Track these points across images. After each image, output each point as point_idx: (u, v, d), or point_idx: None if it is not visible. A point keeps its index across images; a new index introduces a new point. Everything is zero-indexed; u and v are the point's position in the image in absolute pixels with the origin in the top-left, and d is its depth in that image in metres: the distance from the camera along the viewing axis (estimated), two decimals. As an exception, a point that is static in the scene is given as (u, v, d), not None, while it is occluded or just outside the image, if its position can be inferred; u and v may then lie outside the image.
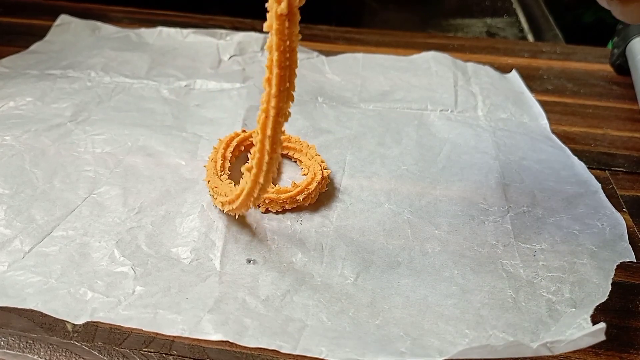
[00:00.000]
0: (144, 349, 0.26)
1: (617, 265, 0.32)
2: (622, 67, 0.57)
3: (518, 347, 0.24)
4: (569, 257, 0.32)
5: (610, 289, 0.30)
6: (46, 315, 0.26)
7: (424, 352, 0.26)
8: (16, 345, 0.27)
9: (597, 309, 0.29)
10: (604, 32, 0.76)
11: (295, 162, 0.40)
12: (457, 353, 0.24)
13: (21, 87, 0.47)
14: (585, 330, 0.24)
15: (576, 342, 0.24)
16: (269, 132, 0.26)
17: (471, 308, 0.29)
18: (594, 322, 0.25)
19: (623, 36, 0.56)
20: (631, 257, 0.32)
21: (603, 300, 0.29)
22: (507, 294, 0.30)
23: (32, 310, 0.27)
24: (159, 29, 0.59)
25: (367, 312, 0.28)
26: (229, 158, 0.38)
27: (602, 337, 0.23)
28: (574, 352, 0.27)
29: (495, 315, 0.28)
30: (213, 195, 0.34)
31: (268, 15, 0.24)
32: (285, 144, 0.40)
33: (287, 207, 0.34)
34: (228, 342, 0.26)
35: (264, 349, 0.25)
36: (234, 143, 0.39)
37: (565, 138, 0.44)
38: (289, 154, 0.40)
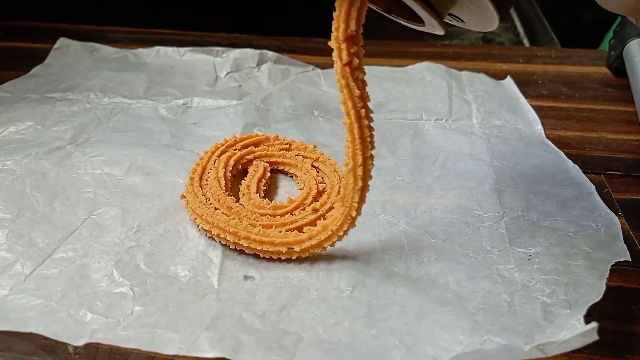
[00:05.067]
0: (144, 368, 0.27)
1: (613, 270, 0.32)
2: (619, 69, 0.57)
3: (511, 351, 0.24)
4: (563, 259, 0.33)
5: (604, 289, 0.30)
6: (48, 338, 0.27)
7: (419, 359, 0.26)
8: (19, 368, 0.28)
9: (593, 314, 0.29)
10: (604, 33, 0.76)
11: (291, 177, 0.40)
12: (450, 359, 0.25)
13: (22, 111, 0.47)
14: (577, 331, 0.24)
15: (569, 343, 0.24)
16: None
17: (466, 314, 0.29)
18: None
19: (620, 38, 0.57)
20: (626, 256, 0.33)
21: (597, 300, 0.29)
22: (502, 298, 0.30)
23: (34, 334, 0.27)
24: (156, 48, 0.60)
25: (362, 323, 0.28)
26: (209, 169, 0.39)
27: (595, 337, 0.23)
28: (571, 358, 0.27)
29: (489, 320, 0.29)
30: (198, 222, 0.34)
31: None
32: (280, 159, 0.40)
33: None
34: (225, 358, 0.26)
35: (260, 363, 0.26)
36: (214, 157, 0.40)
37: (560, 143, 0.45)
38: (284, 169, 0.40)
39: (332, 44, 0.27)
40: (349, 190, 0.30)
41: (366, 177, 0.30)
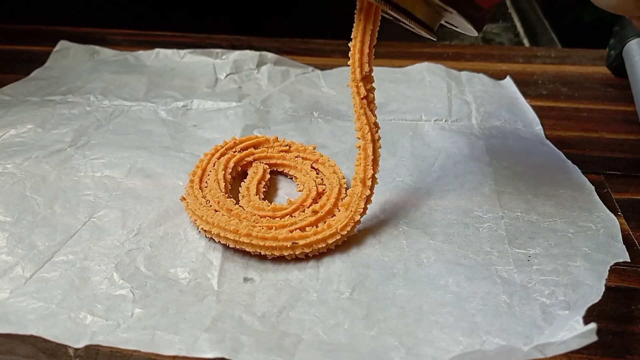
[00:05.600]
0: (144, 370, 0.27)
1: (612, 270, 0.32)
2: (619, 69, 0.57)
3: (510, 351, 0.24)
4: (562, 260, 0.33)
5: (603, 290, 0.30)
6: (49, 340, 0.27)
7: None
8: (20, 371, 0.28)
9: (592, 314, 0.29)
10: (604, 33, 0.75)
11: (291, 178, 0.40)
12: (450, 359, 0.25)
13: (22, 114, 0.48)
14: (576, 332, 0.24)
15: (567, 343, 0.24)
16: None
17: (465, 315, 0.29)
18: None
19: (620, 38, 0.57)
20: (625, 257, 0.33)
21: (596, 301, 0.29)
22: (501, 299, 0.30)
23: (34, 336, 0.27)
24: (156, 50, 0.60)
25: (362, 324, 0.29)
26: (209, 171, 0.39)
27: (594, 338, 0.23)
28: (570, 359, 0.27)
29: (489, 321, 0.29)
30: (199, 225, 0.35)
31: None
32: (280, 161, 0.40)
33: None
34: (225, 359, 0.26)
35: (260, 363, 0.26)
36: (214, 159, 0.40)
37: (559, 143, 0.45)
38: (284, 171, 0.40)
39: (350, 84, 0.33)
40: (356, 197, 0.34)
41: (372, 188, 0.35)
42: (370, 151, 0.34)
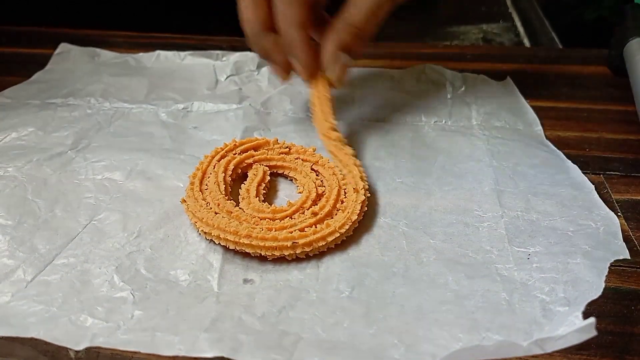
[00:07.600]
0: (144, 372, 0.27)
1: (612, 271, 0.32)
2: (619, 68, 0.57)
3: (509, 347, 0.25)
4: (562, 258, 0.33)
5: (603, 286, 0.30)
6: (49, 343, 0.27)
7: (418, 357, 0.26)
8: (21, 373, 0.28)
9: (592, 315, 0.29)
10: (604, 32, 0.75)
11: (291, 180, 0.41)
12: (449, 355, 0.25)
13: (23, 117, 0.48)
14: (575, 326, 0.24)
15: (567, 338, 0.24)
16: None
17: (465, 312, 0.29)
18: (588, 324, 0.25)
19: (620, 38, 0.56)
20: (625, 254, 0.33)
21: (596, 297, 0.29)
22: (501, 296, 0.30)
23: (35, 339, 0.27)
24: (157, 52, 0.60)
25: (361, 322, 0.29)
26: (209, 174, 0.39)
27: (593, 332, 0.24)
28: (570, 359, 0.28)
29: (489, 318, 0.29)
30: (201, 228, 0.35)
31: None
32: (280, 163, 0.40)
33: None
34: (224, 358, 0.26)
35: (258, 362, 0.26)
36: (214, 161, 0.40)
37: (559, 143, 0.45)
38: (284, 173, 0.41)
39: (321, 137, 0.43)
40: (352, 201, 0.36)
41: (366, 193, 0.37)
42: (353, 179, 0.38)
